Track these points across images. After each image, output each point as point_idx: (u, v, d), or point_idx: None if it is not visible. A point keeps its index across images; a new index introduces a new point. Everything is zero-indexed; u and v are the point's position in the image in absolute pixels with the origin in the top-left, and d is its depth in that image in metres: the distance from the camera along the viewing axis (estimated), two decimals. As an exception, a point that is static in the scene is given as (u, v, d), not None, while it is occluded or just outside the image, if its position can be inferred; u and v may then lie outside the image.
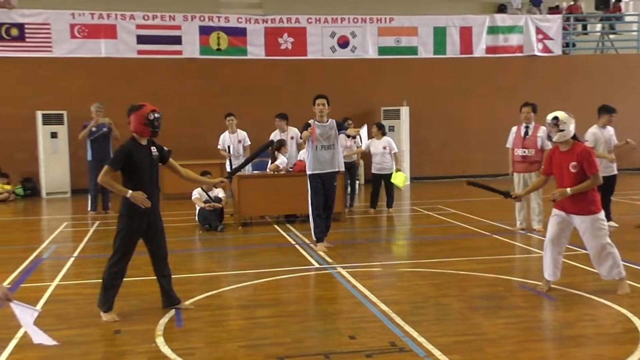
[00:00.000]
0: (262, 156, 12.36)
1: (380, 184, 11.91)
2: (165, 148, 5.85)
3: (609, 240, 5.98)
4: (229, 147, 11.75)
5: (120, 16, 15.96)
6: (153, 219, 5.67)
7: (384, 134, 12.05)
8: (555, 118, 5.90)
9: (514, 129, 9.67)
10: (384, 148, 11.77)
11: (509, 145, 9.69)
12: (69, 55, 15.74)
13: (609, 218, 9.23)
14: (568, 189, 5.86)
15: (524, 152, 9.37)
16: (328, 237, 8.57)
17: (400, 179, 11.68)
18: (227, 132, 11.98)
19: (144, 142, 5.63)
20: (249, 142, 12.03)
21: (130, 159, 5.49)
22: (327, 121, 8.49)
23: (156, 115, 5.54)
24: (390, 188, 11.83)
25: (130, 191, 5.43)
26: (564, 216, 6.03)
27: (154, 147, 5.69)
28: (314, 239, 8.49)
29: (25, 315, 3.51)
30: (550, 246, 6.09)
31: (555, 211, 6.11)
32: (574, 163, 5.87)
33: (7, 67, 15.38)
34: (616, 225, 9.45)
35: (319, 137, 8.34)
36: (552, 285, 6.16)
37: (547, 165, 6.25)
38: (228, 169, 11.25)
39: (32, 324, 3.56)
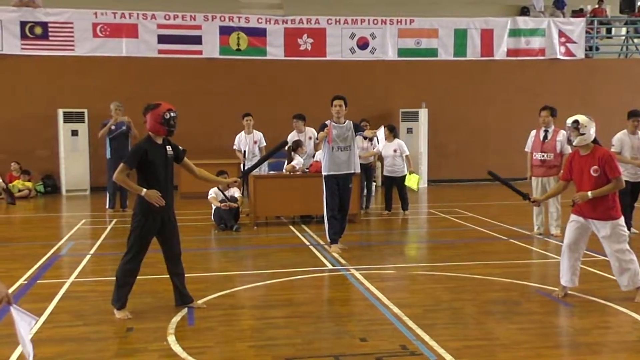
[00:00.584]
0: (278, 156, 12.42)
1: (392, 186, 11.80)
2: (180, 147, 5.88)
3: (628, 247, 5.88)
4: (244, 151, 11.70)
5: (141, 16, 16.09)
6: (167, 218, 5.69)
7: (395, 136, 11.94)
8: (576, 122, 5.83)
9: (533, 132, 9.57)
10: (395, 151, 11.68)
11: (527, 149, 9.59)
12: (90, 54, 15.91)
13: (629, 225, 9.11)
14: (589, 192, 5.78)
15: (543, 156, 9.26)
16: (342, 238, 8.56)
17: (414, 181, 11.53)
18: (243, 132, 12.00)
19: (159, 141, 5.66)
20: (265, 143, 12.04)
21: (145, 158, 5.52)
22: (344, 122, 8.46)
23: (172, 114, 5.56)
24: (403, 191, 11.70)
25: (144, 190, 5.47)
26: (582, 222, 5.94)
27: (170, 147, 5.71)
28: (328, 240, 8.49)
29: (23, 322, 3.39)
30: (568, 252, 6.01)
31: (573, 216, 6.03)
32: (595, 167, 5.80)
33: (31, 65, 15.58)
34: (636, 231, 9.30)
35: (336, 138, 8.32)
36: (569, 292, 6.08)
37: (566, 170, 6.17)
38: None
39: (27, 332, 3.45)
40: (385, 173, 11.94)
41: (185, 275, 5.95)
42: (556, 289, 6.21)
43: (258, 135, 12.04)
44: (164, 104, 5.63)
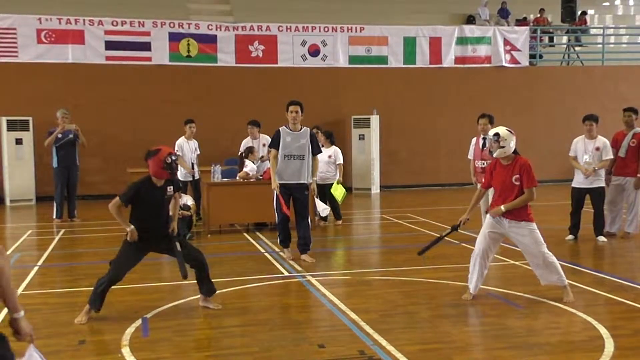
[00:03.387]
0: (231, 164, 12.31)
1: (322, 194, 10.95)
2: (179, 183, 6.28)
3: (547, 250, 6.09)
4: (193, 165, 11.36)
5: (88, 21, 15.79)
6: (159, 243, 5.94)
7: (332, 142, 11.59)
8: (497, 134, 5.99)
9: (474, 140, 9.59)
10: (329, 157, 11.28)
11: (470, 156, 9.61)
12: (35, 61, 15.51)
13: (601, 232, 9.37)
14: (502, 207, 6.00)
15: (483, 163, 9.28)
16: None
17: (340, 192, 11.12)
18: (183, 137, 11.62)
19: (160, 183, 5.87)
20: (199, 152, 11.74)
21: (139, 197, 5.78)
22: (301, 129, 8.14)
23: (173, 157, 5.80)
24: (333, 199, 11.23)
25: (131, 227, 5.76)
26: (498, 228, 6.12)
27: (171, 187, 5.96)
28: (280, 244, 8.45)
29: None
30: (479, 259, 6.19)
31: (489, 220, 6.21)
32: (516, 176, 6.00)
33: (-29, 72, 15.08)
34: (605, 240, 9.40)
35: (289, 146, 8.08)
36: (518, 294, 6.23)
37: (487, 178, 6.33)
38: (181, 178, 10.79)
39: None
40: (318, 181, 11.31)
41: (145, 285, 6.01)
42: (508, 290, 6.35)
43: (196, 143, 11.74)
44: (164, 149, 5.84)
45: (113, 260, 5.83)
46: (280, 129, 8.21)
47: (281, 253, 8.55)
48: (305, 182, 8.18)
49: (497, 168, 6.19)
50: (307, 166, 8.15)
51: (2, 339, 2.75)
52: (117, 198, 5.80)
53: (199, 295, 6.54)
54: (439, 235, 6.65)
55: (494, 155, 6.08)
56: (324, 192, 11.11)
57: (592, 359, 4.61)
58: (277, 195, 8.15)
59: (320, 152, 8.61)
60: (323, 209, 9.99)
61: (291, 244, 8.44)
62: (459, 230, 6.60)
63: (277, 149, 8.09)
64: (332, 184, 11.18)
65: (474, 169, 9.49)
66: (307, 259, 8.19)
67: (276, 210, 8.32)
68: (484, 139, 9.23)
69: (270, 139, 11.53)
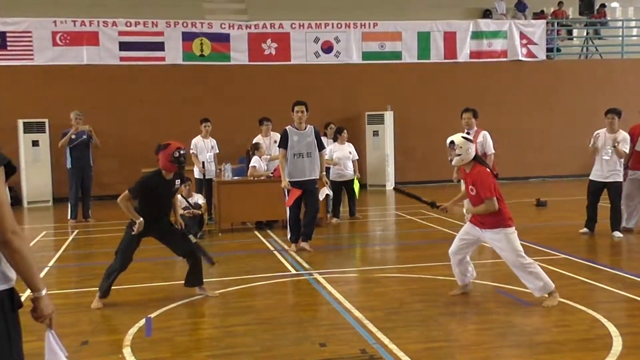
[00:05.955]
0: (244, 162, 12.28)
1: (341, 191, 11.31)
2: (186, 178, 6.62)
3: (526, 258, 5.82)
4: (203, 163, 11.37)
5: (102, 23, 15.88)
6: (160, 230, 6.26)
7: (347, 139, 11.56)
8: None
9: None
10: (350, 153, 11.31)
11: None
12: (50, 63, 15.64)
13: (618, 227, 9.16)
14: (469, 209, 5.94)
15: None
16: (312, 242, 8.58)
17: (358, 187, 11.35)
18: (199, 136, 11.66)
19: (169, 176, 6.15)
20: (218, 150, 11.74)
21: (148, 190, 6.05)
22: (306, 128, 8.47)
23: (181, 152, 6.04)
24: (352, 196, 11.38)
25: (140, 219, 6.00)
26: (473, 232, 5.99)
27: (179, 180, 6.28)
28: (289, 240, 8.66)
29: (55, 351, 2.96)
30: (452, 257, 6.12)
31: (467, 226, 6.09)
32: (471, 186, 5.84)
33: (-12, 75, 15.27)
34: (621, 235, 9.20)
35: (295, 145, 8.35)
36: (527, 290, 6.08)
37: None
38: (197, 176, 11.12)
39: None
40: (334, 178, 11.15)
41: (152, 285, 6.28)
42: (515, 287, 6.24)
43: (213, 141, 11.75)
44: (173, 143, 6.08)
45: (118, 248, 6.17)
46: (287, 128, 8.52)
47: (290, 250, 8.62)
48: (316, 177, 8.51)
49: (463, 174, 6.10)
50: (315, 162, 8.49)
51: None
52: (127, 192, 6.02)
53: (204, 295, 6.55)
54: (418, 197, 6.52)
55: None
56: (344, 188, 11.31)
57: (599, 358, 4.48)
58: (287, 192, 8.42)
59: (324, 148, 8.87)
60: (325, 194, 9.76)
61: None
62: (433, 209, 6.37)
63: (286, 149, 8.42)
64: (351, 180, 11.26)
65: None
66: (306, 247, 8.47)
67: (287, 208, 8.58)
68: (467, 133, 8.98)
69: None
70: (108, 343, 5.13)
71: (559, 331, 5.13)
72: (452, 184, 11.81)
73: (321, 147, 8.63)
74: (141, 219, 5.99)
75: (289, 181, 8.42)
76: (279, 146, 8.73)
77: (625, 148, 9.08)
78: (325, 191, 9.24)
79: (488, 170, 5.90)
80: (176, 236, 6.35)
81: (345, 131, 11.57)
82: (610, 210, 9.31)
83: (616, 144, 8.98)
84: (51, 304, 2.88)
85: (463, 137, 5.89)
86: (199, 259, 6.29)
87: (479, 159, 5.96)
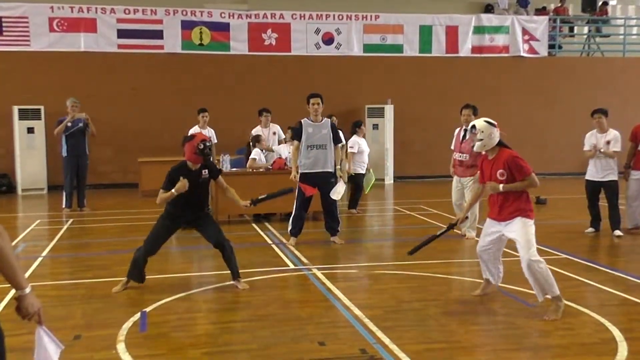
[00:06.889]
0: (242, 153, 12.16)
1: (356, 184, 11.34)
2: (217, 168, 6.63)
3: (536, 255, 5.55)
4: None
5: (100, 10, 15.67)
6: (193, 220, 6.38)
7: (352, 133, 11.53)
8: (473, 127, 5.59)
9: (457, 131, 9.23)
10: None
11: (452, 147, 9.32)
12: (47, 50, 15.44)
13: (618, 226, 9.06)
14: (501, 186, 5.51)
15: (460, 156, 8.89)
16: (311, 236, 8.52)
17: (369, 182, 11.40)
18: (197, 126, 11.56)
19: (195, 167, 6.24)
20: (216, 140, 11.63)
21: (176, 181, 6.13)
22: (322, 120, 8.47)
23: (207, 144, 6.14)
24: (358, 190, 11.38)
25: (173, 190, 6.10)
26: (497, 227, 5.70)
27: (206, 170, 6.32)
28: (289, 233, 8.58)
29: (46, 348, 2.93)
30: (480, 254, 5.92)
31: (488, 221, 5.82)
32: (501, 170, 5.54)
33: (-16, 60, 15.06)
34: (621, 234, 9.11)
35: (310, 137, 8.33)
36: (531, 291, 5.93)
37: (481, 174, 5.90)
38: None
39: None
40: (358, 170, 11.21)
41: (148, 277, 6.24)
42: (519, 288, 6.13)
43: (211, 132, 11.65)
44: (198, 135, 6.26)
45: (147, 237, 6.33)
46: (302, 120, 8.51)
47: (288, 244, 8.52)
48: (331, 170, 8.47)
49: (484, 162, 5.78)
50: (330, 155, 8.47)
51: None
52: (160, 190, 6.21)
53: (201, 288, 6.45)
54: (435, 235, 6.21)
55: (474, 149, 5.72)
56: (356, 181, 11.27)
57: (604, 363, 4.39)
58: (298, 186, 8.39)
59: (341, 141, 8.88)
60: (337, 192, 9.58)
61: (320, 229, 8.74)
62: (455, 225, 6.26)
63: (300, 141, 8.44)
64: (361, 174, 11.27)
65: (453, 161, 9.19)
66: (337, 241, 8.58)
67: (296, 201, 8.51)
68: (465, 130, 8.68)
69: (279, 128, 11.48)
70: (101, 338, 5.00)
71: (563, 334, 5.01)
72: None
73: (337, 140, 8.57)
74: (173, 190, 6.07)
75: (301, 173, 8.34)
76: (292, 138, 8.79)
77: (616, 147, 9.00)
78: (339, 191, 8.96)
79: (515, 152, 5.64)
80: (209, 226, 6.40)
81: (363, 124, 11.65)
82: (608, 209, 9.21)
83: (601, 149, 8.93)
84: (37, 302, 2.78)
85: (486, 121, 5.61)
86: (227, 249, 6.34)
87: (503, 144, 5.68)
